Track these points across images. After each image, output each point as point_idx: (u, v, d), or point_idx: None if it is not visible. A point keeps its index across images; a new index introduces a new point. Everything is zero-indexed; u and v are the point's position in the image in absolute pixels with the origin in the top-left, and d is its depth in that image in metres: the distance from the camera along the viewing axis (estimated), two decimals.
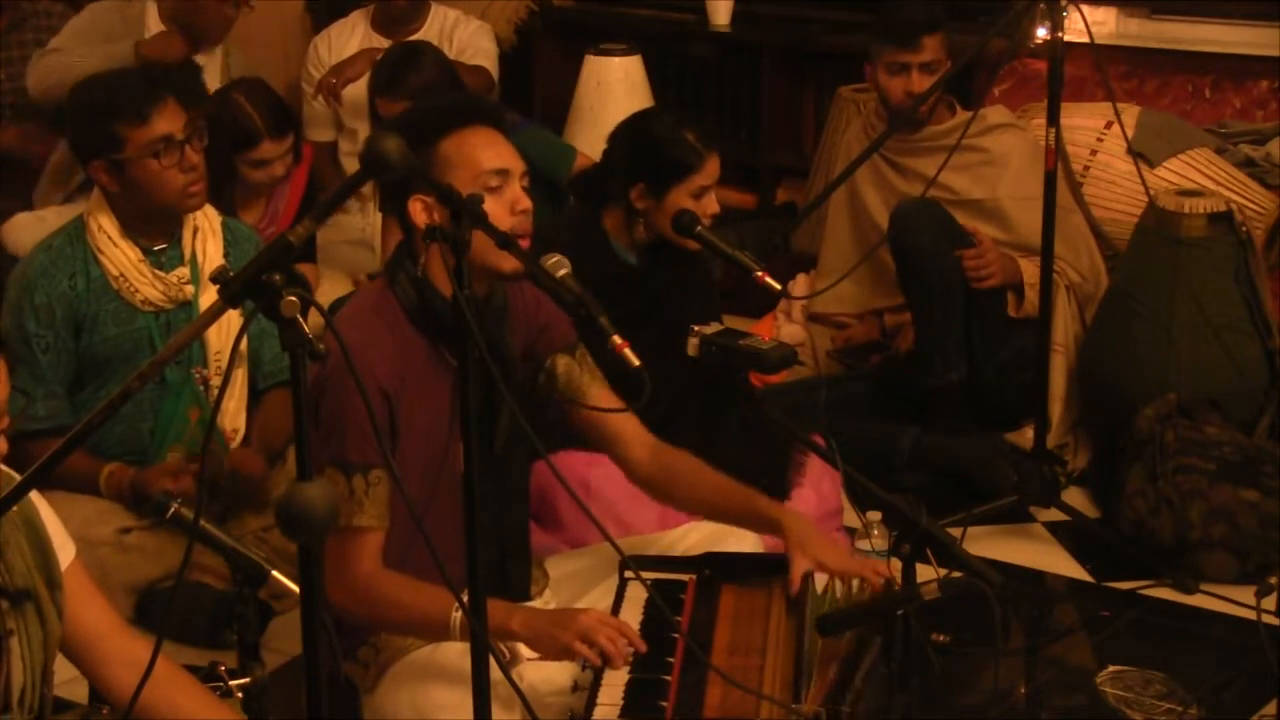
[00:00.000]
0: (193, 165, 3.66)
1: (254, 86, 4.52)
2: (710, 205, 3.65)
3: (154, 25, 4.97)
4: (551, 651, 2.72)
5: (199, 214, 3.79)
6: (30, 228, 4.68)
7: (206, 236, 3.79)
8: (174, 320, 3.73)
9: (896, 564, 2.96)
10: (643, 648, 2.68)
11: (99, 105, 3.64)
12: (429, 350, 2.84)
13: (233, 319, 3.62)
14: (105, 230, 3.70)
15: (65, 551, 2.44)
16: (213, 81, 5.00)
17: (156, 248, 3.74)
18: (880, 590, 2.86)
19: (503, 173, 2.80)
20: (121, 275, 3.69)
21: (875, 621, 2.77)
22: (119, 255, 3.70)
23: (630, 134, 3.73)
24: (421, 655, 2.89)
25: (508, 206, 2.78)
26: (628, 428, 3.05)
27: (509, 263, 2.76)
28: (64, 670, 2.50)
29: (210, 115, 4.42)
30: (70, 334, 3.69)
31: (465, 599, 2.41)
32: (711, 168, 3.65)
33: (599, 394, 3.05)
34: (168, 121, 3.62)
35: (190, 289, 3.74)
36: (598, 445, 3.10)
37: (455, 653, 2.80)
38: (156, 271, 3.72)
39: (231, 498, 3.74)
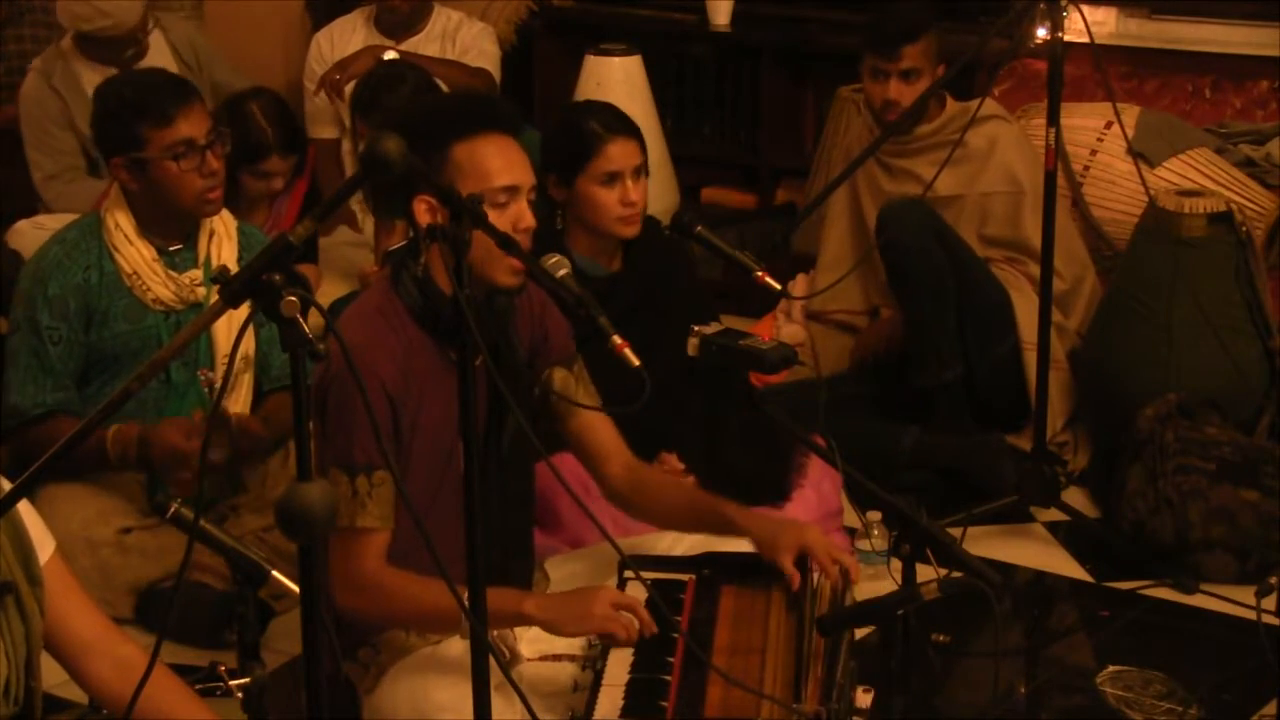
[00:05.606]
0: (212, 171, 3.68)
1: (270, 100, 4.54)
2: (630, 193, 3.58)
3: (90, 78, 4.94)
4: (567, 634, 2.75)
5: (215, 218, 3.80)
6: (30, 235, 4.68)
7: (222, 240, 3.81)
8: (184, 321, 3.73)
9: (897, 564, 2.96)
10: (653, 628, 2.70)
11: (125, 103, 3.65)
12: (434, 350, 2.84)
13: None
14: (122, 228, 3.72)
15: (44, 547, 2.43)
16: (162, 58, 5.03)
17: (172, 248, 3.76)
18: (835, 582, 2.85)
19: (512, 189, 2.79)
20: (135, 273, 3.71)
21: (875, 621, 2.78)
22: (134, 253, 3.71)
23: (548, 130, 3.73)
24: (421, 656, 2.88)
25: (511, 223, 2.76)
26: (610, 444, 3.07)
27: (505, 276, 2.77)
28: (64, 671, 2.50)
29: (221, 121, 4.44)
30: (81, 327, 3.70)
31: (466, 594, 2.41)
32: (617, 152, 3.58)
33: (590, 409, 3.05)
34: (191, 125, 3.64)
35: (202, 291, 3.76)
36: (580, 458, 3.11)
37: (455, 653, 2.80)
38: (170, 271, 3.74)
39: (233, 456, 3.73)
